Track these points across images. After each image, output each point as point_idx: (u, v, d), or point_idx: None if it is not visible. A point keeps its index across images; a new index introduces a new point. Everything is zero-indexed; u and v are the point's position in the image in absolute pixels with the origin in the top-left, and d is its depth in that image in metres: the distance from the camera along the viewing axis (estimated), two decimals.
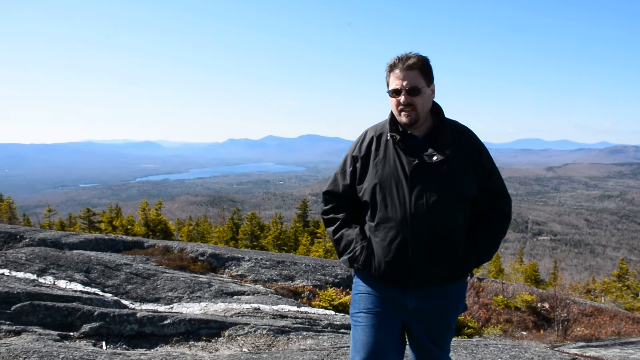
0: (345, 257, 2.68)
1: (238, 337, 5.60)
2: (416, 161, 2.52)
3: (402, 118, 2.56)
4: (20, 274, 6.77)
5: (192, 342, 5.44)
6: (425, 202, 2.46)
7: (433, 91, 2.62)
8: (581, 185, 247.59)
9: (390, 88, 2.57)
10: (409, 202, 2.47)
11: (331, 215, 2.78)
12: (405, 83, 2.50)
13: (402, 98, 2.52)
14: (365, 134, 2.75)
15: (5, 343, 4.55)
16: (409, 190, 2.48)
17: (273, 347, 5.47)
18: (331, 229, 2.77)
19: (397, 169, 2.53)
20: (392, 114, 2.66)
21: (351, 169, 2.71)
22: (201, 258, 9.28)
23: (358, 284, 2.73)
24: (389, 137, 2.61)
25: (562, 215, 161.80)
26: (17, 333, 4.91)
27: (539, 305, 12.51)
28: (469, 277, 2.74)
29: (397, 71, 2.53)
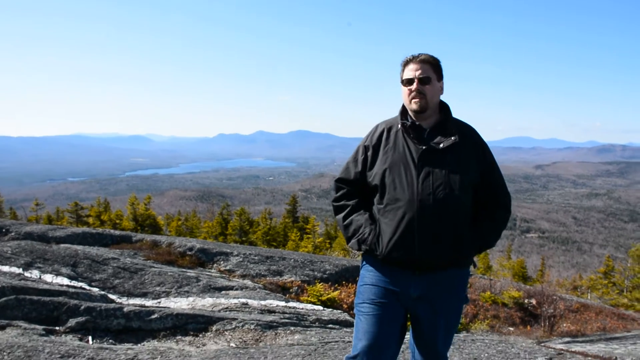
0: (354, 240, 2.82)
1: (226, 332, 5.58)
2: (423, 147, 2.69)
3: (413, 105, 2.75)
4: (6, 268, 6.71)
5: (180, 337, 5.43)
6: (432, 184, 2.63)
7: (442, 88, 2.83)
8: (569, 184, 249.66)
9: (404, 77, 2.78)
10: (416, 184, 2.64)
11: (342, 202, 2.93)
12: (418, 73, 2.72)
13: (413, 86, 2.73)
14: (376, 127, 2.93)
15: None
16: (417, 173, 2.66)
17: (261, 342, 5.46)
18: (341, 215, 2.92)
19: (405, 155, 2.72)
20: (402, 107, 2.86)
21: (363, 157, 2.87)
22: (189, 253, 9.24)
23: (364, 276, 2.86)
24: (399, 127, 2.79)
25: (550, 213, 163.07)
26: (2, 327, 4.87)
27: (526, 301, 12.59)
28: (472, 267, 2.87)
29: (411, 65, 2.77)
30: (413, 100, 2.73)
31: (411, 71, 2.74)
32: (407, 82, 2.75)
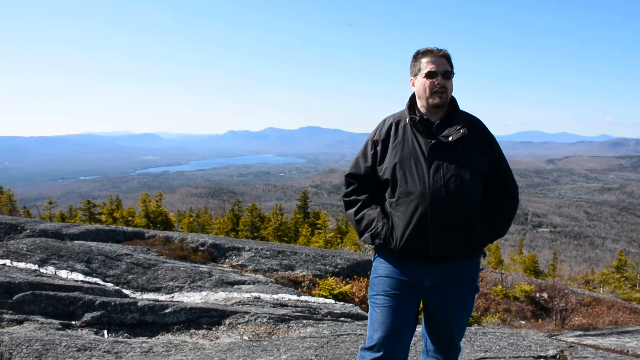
0: (367, 235, 2.83)
1: (239, 325, 5.64)
2: (433, 141, 2.71)
3: (435, 99, 2.75)
4: (22, 264, 6.81)
5: (193, 331, 5.50)
6: (442, 176, 2.65)
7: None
8: (581, 178, 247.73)
9: (426, 70, 2.76)
10: (427, 177, 2.66)
11: (353, 197, 2.95)
12: (441, 67, 2.74)
13: (438, 79, 2.73)
14: (384, 121, 2.94)
15: (7, 332, 4.60)
16: (427, 166, 2.68)
17: (273, 334, 5.52)
18: (352, 210, 2.93)
19: (415, 149, 2.73)
20: (410, 100, 2.87)
21: (372, 152, 2.88)
22: (202, 248, 9.33)
23: (377, 268, 2.88)
24: (407, 121, 2.80)
25: (562, 207, 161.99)
26: (20, 322, 4.96)
27: (537, 295, 12.57)
28: (482, 257, 2.90)
29: (431, 57, 2.76)
30: (436, 95, 2.74)
31: (433, 64, 2.74)
32: (430, 75, 2.74)
